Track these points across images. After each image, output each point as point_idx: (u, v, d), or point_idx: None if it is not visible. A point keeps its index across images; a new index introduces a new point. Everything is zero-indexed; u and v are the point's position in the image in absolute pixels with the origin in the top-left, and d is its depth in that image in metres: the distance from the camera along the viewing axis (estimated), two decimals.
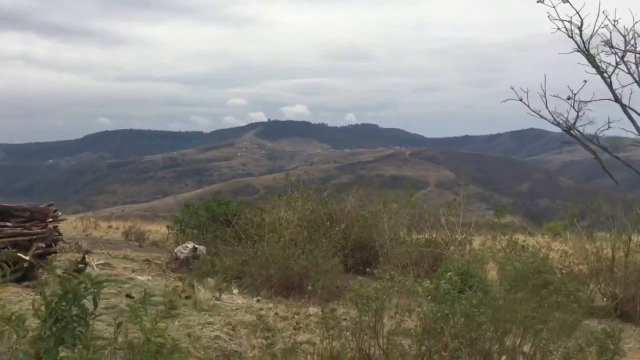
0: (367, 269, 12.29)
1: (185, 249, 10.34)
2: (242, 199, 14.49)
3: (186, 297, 7.11)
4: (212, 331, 5.89)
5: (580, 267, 10.49)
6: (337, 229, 11.66)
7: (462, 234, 12.11)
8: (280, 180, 15.27)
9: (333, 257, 9.50)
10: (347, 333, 5.15)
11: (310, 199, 12.87)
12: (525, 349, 4.44)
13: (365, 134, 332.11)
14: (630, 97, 10.09)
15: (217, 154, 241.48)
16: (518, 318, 4.22)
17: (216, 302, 7.37)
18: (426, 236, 12.56)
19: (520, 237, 12.49)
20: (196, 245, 10.44)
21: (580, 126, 10.35)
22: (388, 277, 5.11)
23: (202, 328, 5.97)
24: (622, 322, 9.38)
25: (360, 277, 10.52)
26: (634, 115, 10.11)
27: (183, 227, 12.27)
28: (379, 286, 4.84)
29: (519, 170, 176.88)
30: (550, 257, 11.04)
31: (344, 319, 5.82)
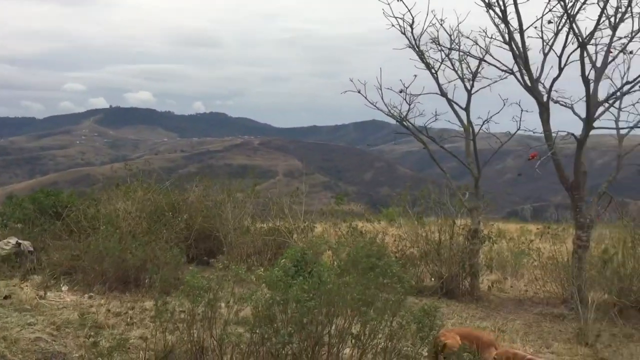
0: (211, 259, 12.13)
1: (7, 245, 9.42)
2: (72, 190, 13.51)
3: (4, 297, 6.46)
4: (32, 332, 5.42)
5: (412, 250, 11.18)
6: (179, 219, 11.37)
7: (305, 222, 12.41)
8: (119, 169, 14.47)
9: (173, 248, 9.22)
10: (182, 325, 5.01)
11: (151, 189, 12.40)
12: (355, 330, 4.63)
13: (214, 122, 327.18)
14: (454, 92, 10.99)
15: (52, 142, 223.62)
16: (347, 301, 4.39)
17: (40, 301, 6.81)
18: (270, 225, 12.69)
19: (359, 224, 13.08)
20: (20, 241, 9.55)
21: (412, 118, 11.08)
22: (221, 266, 5.05)
23: (21, 330, 5.46)
24: (447, 299, 10.20)
25: (191, 268, 10.28)
26: (457, 108, 11.02)
27: (5, 221, 11.18)
28: (211, 276, 4.77)
29: (362, 160, 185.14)
30: (386, 241, 11.70)
31: (182, 311, 5.64)
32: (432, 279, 10.76)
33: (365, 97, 10.88)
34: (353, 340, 4.54)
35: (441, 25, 10.54)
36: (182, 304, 5.10)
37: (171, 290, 7.52)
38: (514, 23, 9.82)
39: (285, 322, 4.31)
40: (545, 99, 9.92)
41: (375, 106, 11.01)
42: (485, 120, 10.54)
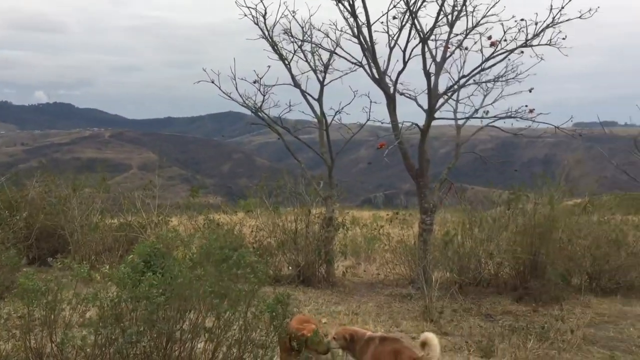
0: (56, 259, 11.29)
1: None
2: None
3: None
4: None
5: (270, 240, 11.24)
6: (17, 217, 10.46)
7: (159, 216, 11.99)
8: None
9: (9, 249, 8.45)
10: (18, 332, 4.59)
11: None
12: (209, 323, 4.54)
13: (59, 114, 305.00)
14: (307, 83, 11.18)
15: None
16: (199, 294, 4.28)
17: None
18: (121, 220, 12.10)
19: (216, 216, 12.91)
20: None
21: (267, 109, 11.11)
22: (60, 265, 4.70)
23: None
24: (304, 287, 10.41)
25: (25, 270, 9.52)
26: (310, 99, 11.23)
27: None
28: (49, 277, 4.42)
29: (220, 152, 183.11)
30: (243, 232, 11.65)
31: (19, 317, 5.17)
32: (290, 268, 10.91)
33: (219, 88, 10.73)
34: (206, 334, 4.45)
35: (293, 16, 10.67)
36: (18, 309, 4.67)
37: (6, 295, 6.90)
38: (362, 17, 10.21)
39: (134, 321, 4.11)
40: (391, 90, 10.42)
41: (229, 97, 10.91)
42: (337, 111, 10.85)
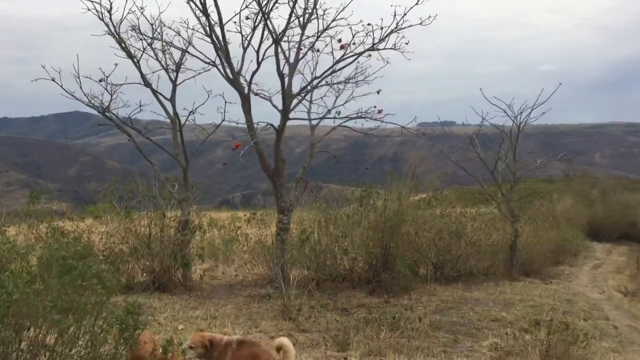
0: None
1: None
2: None
3: None
4: None
5: (121, 246, 10.70)
6: None
7: None
8: None
9: None
10: None
11: None
12: (50, 341, 4.20)
13: None
14: (158, 82, 10.78)
15: None
16: (38, 310, 3.93)
17: None
18: None
19: (61, 223, 12.02)
20: None
21: (115, 109, 10.53)
22: None
23: None
24: (160, 293, 10.04)
25: None
26: (162, 99, 10.84)
27: None
28: None
29: (65, 154, 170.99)
30: (92, 240, 10.96)
31: None
32: (144, 274, 10.48)
33: (61, 86, 10.02)
34: (47, 353, 4.10)
35: (141, 13, 10.24)
36: None
37: None
38: (214, 16, 10.05)
39: None
40: (246, 91, 10.40)
41: (73, 96, 10.21)
42: (191, 112, 10.57)
